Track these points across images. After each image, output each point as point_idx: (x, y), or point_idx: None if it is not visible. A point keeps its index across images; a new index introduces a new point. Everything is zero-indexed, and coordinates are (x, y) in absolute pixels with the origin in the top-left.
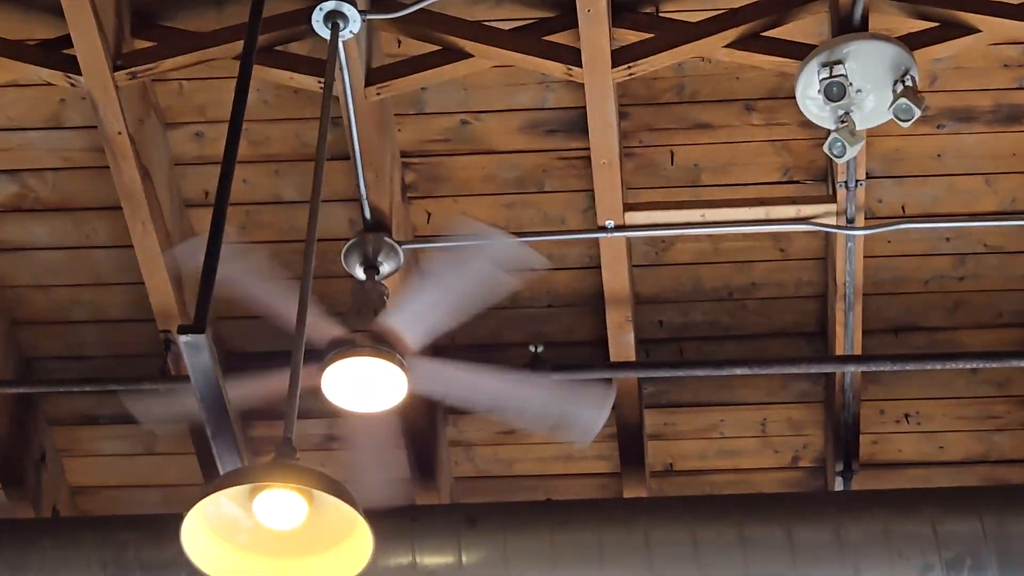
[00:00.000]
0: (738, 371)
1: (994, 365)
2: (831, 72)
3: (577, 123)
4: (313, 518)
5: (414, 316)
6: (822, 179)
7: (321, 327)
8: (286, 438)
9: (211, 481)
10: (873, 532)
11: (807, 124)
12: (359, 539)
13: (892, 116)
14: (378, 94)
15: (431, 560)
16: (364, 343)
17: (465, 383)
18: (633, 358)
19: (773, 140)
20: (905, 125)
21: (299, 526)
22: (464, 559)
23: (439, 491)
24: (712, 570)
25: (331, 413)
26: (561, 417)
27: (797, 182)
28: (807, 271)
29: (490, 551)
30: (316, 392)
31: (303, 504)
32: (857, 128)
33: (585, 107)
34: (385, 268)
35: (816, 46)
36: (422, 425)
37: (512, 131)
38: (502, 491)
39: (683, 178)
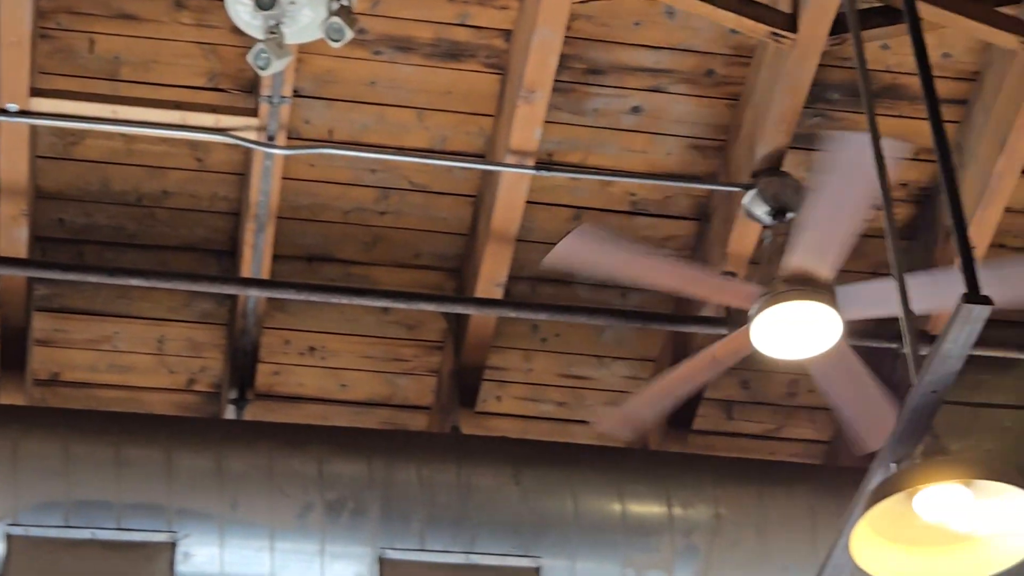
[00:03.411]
0: (134, 282)
1: (405, 306)
2: None
3: None
4: None
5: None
6: (250, 91)
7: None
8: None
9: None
10: (257, 466)
11: (240, 30)
12: None
13: (324, 35)
14: None
15: None
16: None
17: None
18: (24, 254)
19: (202, 43)
20: (335, 45)
21: None
22: None
23: None
24: (82, 489)
25: None
26: None
27: (223, 91)
28: (224, 186)
29: None
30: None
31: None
32: (286, 41)
33: None
34: None
35: None
36: None
37: None
38: None
39: (101, 70)
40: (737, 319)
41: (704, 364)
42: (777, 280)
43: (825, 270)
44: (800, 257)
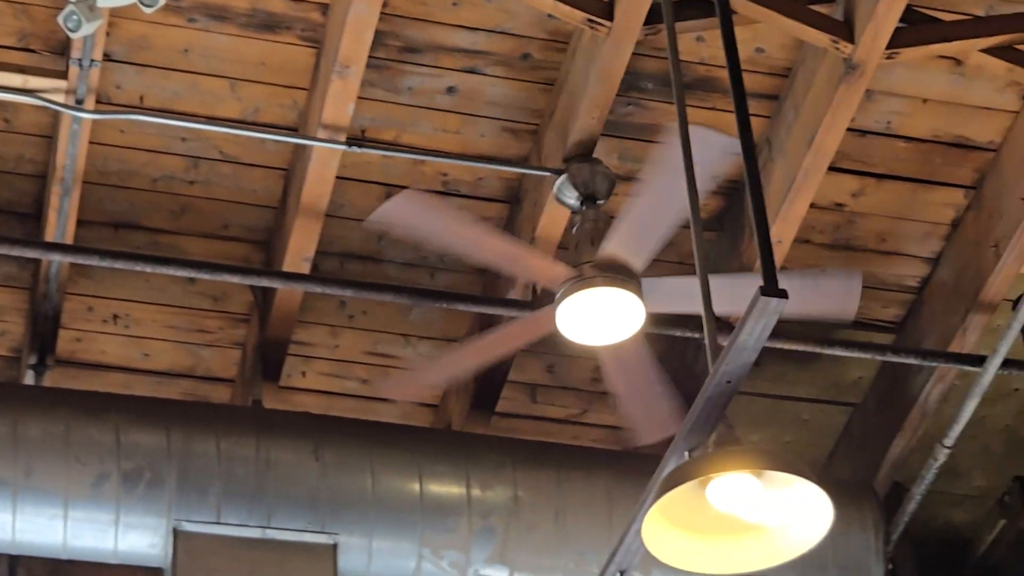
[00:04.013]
0: None
1: (211, 277)
2: None
3: None
4: None
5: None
6: (60, 53)
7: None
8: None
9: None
10: (53, 433)
11: None
12: None
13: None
14: None
15: None
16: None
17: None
18: None
19: (13, 2)
20: (148, 11)
21: None
22: None
23: None
24: None
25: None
26: None
27: (32, 51)
28: (31, 147)
29: None
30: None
31: None
32: (98, 5)
33: None
34: None
35: None
36: None
37: None
38: None
39: None
40: (544, 302)
41: (505, 339)
42: (586, 265)
43: (637, 261)
44: (616, 244)
